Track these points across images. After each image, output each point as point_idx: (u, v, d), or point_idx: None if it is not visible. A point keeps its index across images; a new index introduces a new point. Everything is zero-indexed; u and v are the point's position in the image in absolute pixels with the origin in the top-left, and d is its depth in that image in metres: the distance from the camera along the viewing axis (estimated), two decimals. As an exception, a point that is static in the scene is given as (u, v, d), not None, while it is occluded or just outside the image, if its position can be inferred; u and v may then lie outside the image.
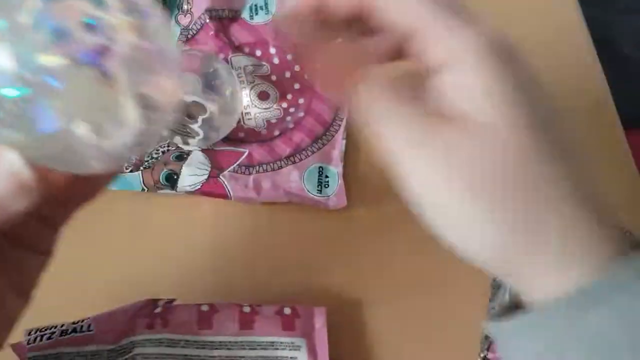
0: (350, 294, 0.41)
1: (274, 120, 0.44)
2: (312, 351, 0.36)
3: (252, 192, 0.42)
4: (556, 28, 0.52)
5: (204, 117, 0.39)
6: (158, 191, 0.43)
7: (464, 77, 0.23)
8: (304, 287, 0.41)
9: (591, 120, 0.48)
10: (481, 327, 0.38)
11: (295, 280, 0.42)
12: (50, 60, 0.19)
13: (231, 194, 0.42)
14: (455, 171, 0.22)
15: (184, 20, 0.47)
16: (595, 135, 0.47)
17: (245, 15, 0.47)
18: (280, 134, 0.44)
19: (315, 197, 0.42)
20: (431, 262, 0.41)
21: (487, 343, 0.37)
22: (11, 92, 0.19)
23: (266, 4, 0.47)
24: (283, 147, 0.44)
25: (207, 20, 0.45)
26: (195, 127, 0.39)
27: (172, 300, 0.37)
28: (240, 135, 0.44)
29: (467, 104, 0.22)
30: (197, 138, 0.40)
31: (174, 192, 0.42)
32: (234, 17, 0.47)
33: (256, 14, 0.47)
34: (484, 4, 0.52)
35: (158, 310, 0.36)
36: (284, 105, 0.44)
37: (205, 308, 0.36)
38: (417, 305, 0.41)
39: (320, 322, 0.37)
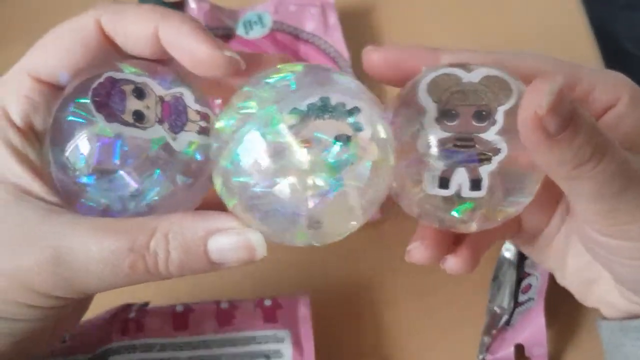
0: (337, 281, 0.41)
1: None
2: (297, 342, 0.35)
3: None
4: (557, 24, 0.53)
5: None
6: None
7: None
8: (286, 277, 0.41)
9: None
10: (480, 327, 0.38)
11: (276, 270, 0.41)
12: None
13: None
14: None
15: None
16: None
17: (240, 32, 0.48)
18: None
19: None
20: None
21: (486, 345, 0.37)
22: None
23: (260, 18, 0.48)
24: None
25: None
26: None
27: (146, 304, 0.37)
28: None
29: None
30: None
31: None
32: (229, 34, 0.48)
33: (251, 29, 0.48)
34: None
35: (132, 315, 0.35)
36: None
37: (180, 308, 0.36)
38: (410, 294, 0.40)
39: (304, 312, 0.36)
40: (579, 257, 0.31)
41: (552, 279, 0.36)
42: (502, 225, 0.28)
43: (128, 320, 0.35)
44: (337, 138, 0.22)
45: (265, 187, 0.23)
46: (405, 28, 0.51)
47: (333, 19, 0.48)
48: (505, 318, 0.37)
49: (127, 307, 0.36)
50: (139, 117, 0.25)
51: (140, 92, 0.25)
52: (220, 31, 0.48)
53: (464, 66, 0.25)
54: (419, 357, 0.38)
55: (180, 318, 0.35)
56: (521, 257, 0.39)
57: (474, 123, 0.24)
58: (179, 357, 0.34)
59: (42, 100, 0.26)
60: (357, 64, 0.47)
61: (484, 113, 0.24)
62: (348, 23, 0.49)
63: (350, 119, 0.23)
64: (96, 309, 0.36)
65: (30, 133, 0.26)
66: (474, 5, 0.52)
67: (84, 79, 0.25)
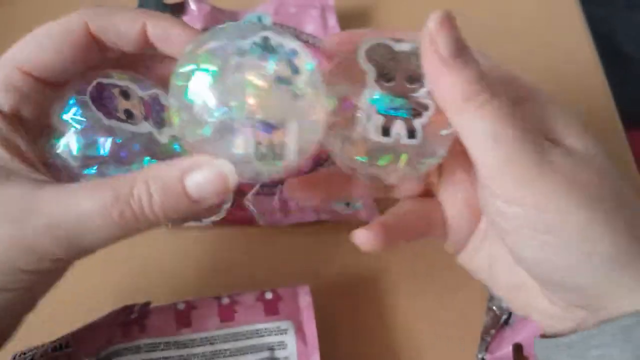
0: (337, 275, 0.41)
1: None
2: (300, 333, 0.36)
3: (279, 214, 0.43)
4: (557, 25, 0.53)
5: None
6: (183, 224, 0.42)
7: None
8: (286, 270, 0.42)
9: (591, 120, 0.48)
10: (480, 327, 0.38)
11: (275, 263, 0.42)
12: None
13: (258, 219, 0.43)
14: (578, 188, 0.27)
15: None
16: (595, 135, 0.47)
17: (240, 32, 0.49)
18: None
19: (344, 211, 0.43)
20: (428, 250, 0.41)
21: (485, 344, 0.38)
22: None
23: (260, 20, 0.49)
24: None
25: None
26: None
27: (147, 304, 0.37)
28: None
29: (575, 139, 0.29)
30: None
31: (197, 223, 0.42)
32: (229, 35, 0.49)
33: (251, 29, 0.49)
34: (485, 1, 0.53)
35: (134, 316, 0.36)
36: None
37: (181, 306, 0.37)
38: (409, 293, 0.41)
39: (305, 302, 0.37)
40: (505, 263, 0.32)
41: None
42: (425, 225, 0.32)
43: (130, 321, 0.36)
44: (278, 76, 0.25)
45: (215, 118, 0.25)
46: (404, 29, 0.51)
47: (332, 20, 0.49)
48: (504, 317, 0.38)
49: (128, 308, 0.37)
50: (129, 115, 0.29)
51: (125, 94, 0.29)
52: (221, 31, 0.48)
53: (396, 39, 0.29)
54: (419, 356, 0.39)
55: (182, 315, 0.36)
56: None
57: (407, 85, 0.28)
58: (182, 355, 0.35)
59: (31, 92, 0.29)
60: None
61: (413, 77, 0.28)
62: (347, 24, 0.50)
63: (290, 58, 0.26)
64: (97, 312, 0.37)
65: (17, 121, 0.28)
66: (473, 7, 0.53)
67: (78, 82, 0.29)
